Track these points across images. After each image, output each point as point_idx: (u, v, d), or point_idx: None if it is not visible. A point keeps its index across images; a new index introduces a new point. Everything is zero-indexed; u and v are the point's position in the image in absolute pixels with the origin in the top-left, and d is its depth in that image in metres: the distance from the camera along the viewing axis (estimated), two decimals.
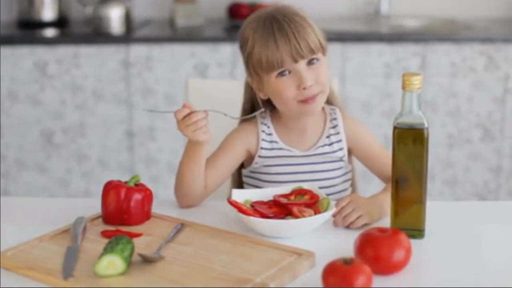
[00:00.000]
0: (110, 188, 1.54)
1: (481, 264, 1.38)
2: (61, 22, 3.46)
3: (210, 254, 1.38)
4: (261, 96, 1.69)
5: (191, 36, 3.23)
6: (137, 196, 1.53)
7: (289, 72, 1.62)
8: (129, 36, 3.23)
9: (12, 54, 3.18)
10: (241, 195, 1.57)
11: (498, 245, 1.47)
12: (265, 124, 1.73)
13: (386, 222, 1.51)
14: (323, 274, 1.23)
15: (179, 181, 1.65)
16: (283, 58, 1.60)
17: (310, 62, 1.63)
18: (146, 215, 1.55)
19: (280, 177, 1.71)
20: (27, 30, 3.40)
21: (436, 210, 1.55)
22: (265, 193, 1.59)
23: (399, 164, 1.46)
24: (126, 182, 1.56)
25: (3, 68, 3.18)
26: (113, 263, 1.29)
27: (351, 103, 3.13)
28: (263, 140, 1.72)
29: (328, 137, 1.73)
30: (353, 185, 1.83)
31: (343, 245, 1.41)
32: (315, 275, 1.29)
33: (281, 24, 1.61)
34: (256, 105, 1.74)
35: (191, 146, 1.62)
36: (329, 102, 1.74)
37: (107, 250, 1.31)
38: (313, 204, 1.54)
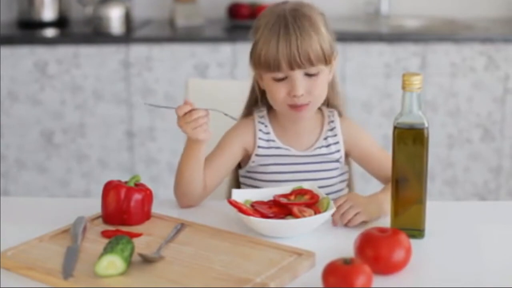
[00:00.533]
0: (110, 188, 1.54)
1: (481, 264, 1.38)
2: (61, 22, 3.46)
3: (210, 254, 1.38)
4: (260, 86, 1.70)
5: (191, 36, 3.23)
6: (137, 196, 1.53)
7: (285, 77, 1.62)
8: (129, 36, 3.23)
9: (12, 54, 3.18)
10: (241, 195, 1.57)
11: (498, 245, 1.47)
12: (263, 123, 1.73)
13: (386, 222, 1.51)
14: (323, 274, 1.23)
15: (178, 180, 1.65)
16: (280, 62, 1.60)
17: (307, 73, 1.62)
18: (146, 215, 1.55)
19: (276, 177, 1.71)
20: (27, 30, 3.40)
21: (436, 210, 1.55)
22: (265, 193, 1.59)
23: (399, 164, 1.46)
24: (126, 182, 1.55)
25: (3, 68, 3.19)
26: (113, 263, 1.29)
27: (351, 103, 3.13)
28: (260, 138, 1.72)
29: (325, 138, 1.73)
30: (350, 186, 1.83)
31: (343, 245, 1.41)
32: (315, 275, 1.29)
33: (288, 27, 1.61)
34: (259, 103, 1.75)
35: (190, 144, 1.62)
36: (332, 104, 1.75)
37: (107, 250, 1.31)
38: (313, 204, 1.54)
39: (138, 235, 1.47)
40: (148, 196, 1.55)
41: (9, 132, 3.25)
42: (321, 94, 1.66)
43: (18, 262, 1.35)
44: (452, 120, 3.19)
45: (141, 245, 1.42)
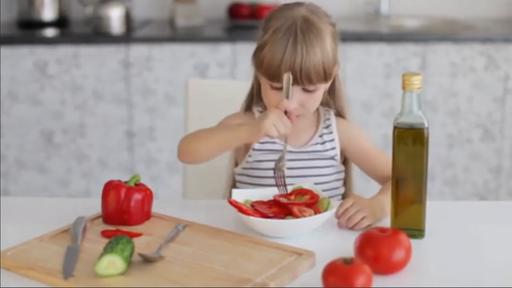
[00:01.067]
0: (110, 188, 1.54)
1: (481, 264, 1.38)
2: (61, 22, 3.46)
3: (210, 254, 1.38)
4: (259, 81, 1.70)
5: (191, 36, 3.23)
6: (137, 196, 1.53)
7: (282, 87, 1.62)
8: (129, 36, 3.23)
9: (12, 54, 3.18)
10: (241, 195, 1.57)
11: (498, 245, 1.47)
12: None
13: (386, 222, 1.51)
14: (323, 274, 1.23)
15: (194, 140, 1.65)
16: (281, 75, 1.60)
17: (305, 89, 1.62)
18: (146, 215, 1.55)
19: (271, 173, 1.71)
20: (27, 30, 3.40)
21: (436, 210, 1.55)
22: (265, 193, 1.59)
23: (399, 164, 1.46)
24: (126, 182, 1.55)
25: (3, 68, 3.19)
26: (113, 263, 1.29)
27: (351, 103, 3.13)
28: None
29: (321, 136, 1.74)
30: (349, 185, 1.83)
31: (343, 245, 1.41)
32: (315, 275, 1.29)
33: (296, 41, 1.59)
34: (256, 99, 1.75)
35: (250, 134, 1.59)
36: (337, 108, 1.77)
37: (107, 250, 1.31)
38: (313, 204, 1.54)
39: (138, 235, 1.47)
40: (148, 196, 1.55)
41: (9, 132, 3.25)
42: (315, 106, 1.68)
43: (18, 262, 1.35)
44: (452, 120, 3.19)
45: (141, 245, 1.42)
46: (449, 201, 2.97)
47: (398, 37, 3.15)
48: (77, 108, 3.23)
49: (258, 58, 1.65)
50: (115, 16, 3.26)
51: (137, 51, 3.17)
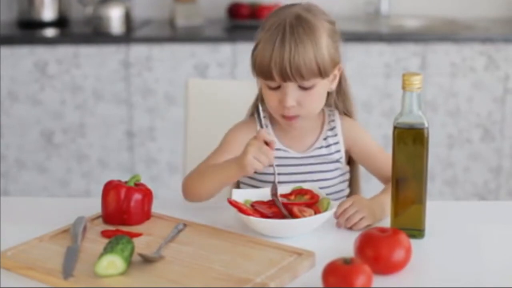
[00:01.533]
0: (110, 188, 1.54)
1: (481, 264, 1.38)
2: (61, 22, 3.46)
3: (210, 254, 1.38)
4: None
5: (191, 36, 3.23)
6: (137, 196, 1.53)
7: (279, 86, 1.61)
8: (129, 36, 3.23)
9: (12, 54, 3.18)
10: (241, 195, 1.57)
11: (498, 245, 1.47)
12: (264, 124, 1.73)
13: (386, 222, 1.51)
14: (323, 274, 1.23)
15: (195, 183, 1.64)
16: (272, 72, 1.59)
17: (301, 86, 1.61)
18: (146, 215, 1.55)
19: (271, 172, 1.71)
20: (27, 30, 3.40)
21: (436, 210, 1.55)
22: (265, 193, 1.59)
23: (399, 164, 1.46)
24: (126, 182, 1.55)
25: (3, 68, 3.19)
26: (113, 263, 1.29)
27: None
28: None
29: (325, 139, 1.73)
30: (355, 186, 1.83)
31: (343, 245, 1.41)
32: (315, 275, 1.29)
33: (284, 37, 1.58)
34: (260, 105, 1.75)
35: (238, 171, 1.56)
36: (345, 109, 1.76)
37: (107, 250, 1.31)
38: (313, 204, 1.54)
39: (138, 235, 1.47)
40: (148, 196, 1.55)
41: (9, 132, 3.25)
42: (315, 106, 1.65)
43: (18, 262, 1.35)
44: (452, 120, 3.19)
45: (141, 245, 1.42)
46: (449, 201, 2.97)
47: (398, 37, 3.15)
48: (77, 108, 3.23)
49: (252, 58, 1.65)
50: (115, 16, 3.26)
51: (137, 51, 3.17)
